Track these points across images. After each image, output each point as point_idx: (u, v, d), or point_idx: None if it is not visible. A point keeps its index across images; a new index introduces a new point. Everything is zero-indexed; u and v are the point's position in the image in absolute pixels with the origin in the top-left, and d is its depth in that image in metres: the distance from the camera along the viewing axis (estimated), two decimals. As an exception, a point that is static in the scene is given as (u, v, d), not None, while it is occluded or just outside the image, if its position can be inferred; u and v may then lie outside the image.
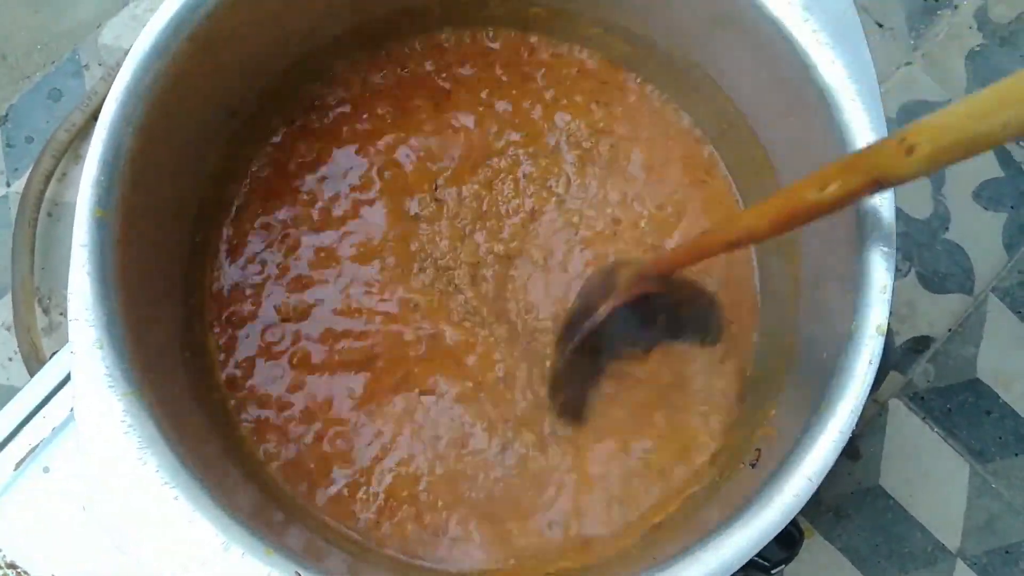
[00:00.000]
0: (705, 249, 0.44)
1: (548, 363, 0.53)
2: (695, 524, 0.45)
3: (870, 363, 0.40)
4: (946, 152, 0.31)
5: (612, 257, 0.55)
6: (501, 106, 0.57)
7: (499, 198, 0.56)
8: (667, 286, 0.49)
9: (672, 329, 0.53)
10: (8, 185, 0.76)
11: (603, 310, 0.49)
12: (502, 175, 0.56)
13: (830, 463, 0.40)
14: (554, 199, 0.56)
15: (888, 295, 0.41)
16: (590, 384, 0.53)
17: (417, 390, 0.52)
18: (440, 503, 0.50)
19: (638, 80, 0.58)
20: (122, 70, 0.43)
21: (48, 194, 0.73)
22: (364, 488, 0.51)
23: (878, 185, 0.34)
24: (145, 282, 0.45)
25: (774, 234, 0.39)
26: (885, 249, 0.41)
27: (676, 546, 0.42)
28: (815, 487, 0.40)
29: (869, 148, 0.34)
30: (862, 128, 0.43)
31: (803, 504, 0.39)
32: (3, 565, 0.51)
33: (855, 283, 0.41)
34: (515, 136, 0.57)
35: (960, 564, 0.70)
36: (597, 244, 0.55)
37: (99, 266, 0.41)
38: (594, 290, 0.51)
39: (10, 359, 0.72)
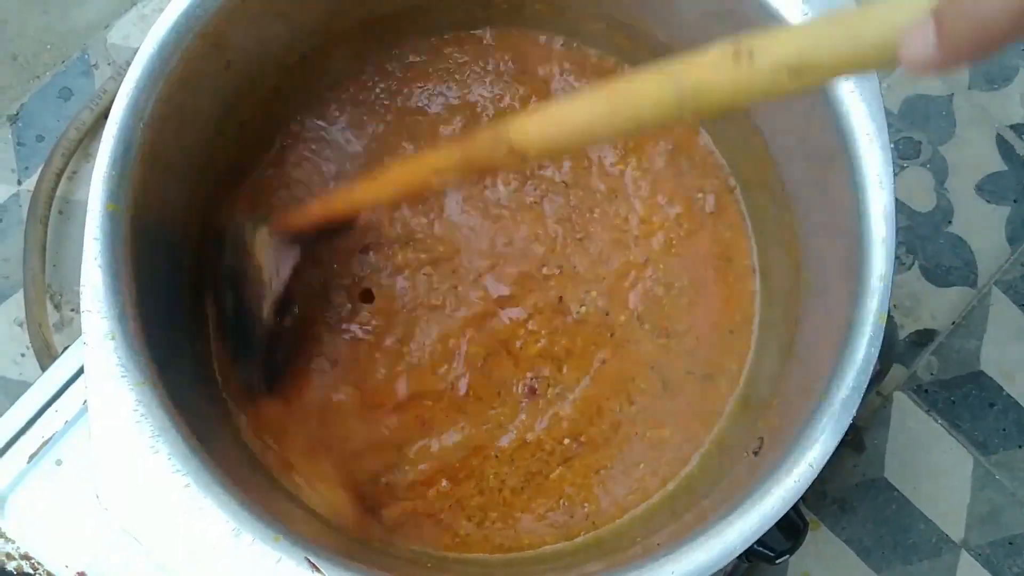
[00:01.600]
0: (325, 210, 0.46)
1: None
2: (698, 511, 0.46)
3: (871, 350, 0.41)
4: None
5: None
6: (507, 101, 0.58)
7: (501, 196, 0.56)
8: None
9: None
10: (19, 183, 0.76)
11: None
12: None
13: (831, 449, 0.40)
14: (550, 196, 0.57)
15: (888, 283, 0.42)
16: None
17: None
18: (449, 496, 0.51)
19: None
20: (132, 66, 0.44)
21: (59, 192, 0.74)
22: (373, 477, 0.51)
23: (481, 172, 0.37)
24: (156, 274, 0.46)
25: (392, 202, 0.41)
26: (885, 237, 0.42)
27: (679, 533, 0.43)
28: (816, 473, 0.40)
29: (480, 140, 0.35)
30: (861, 118, 0.44)
31: (804, 489, 0.40)
32: (17, 556, 0.52)
33: (855, 271, 0.42)
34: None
35: (964, 555, 0.71)
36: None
37: (111, 259, 0.42)
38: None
39: (22, 355, 0.73)
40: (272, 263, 0.48)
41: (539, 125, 0.32)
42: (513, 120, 0.32)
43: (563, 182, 0.56)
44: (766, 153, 0.51)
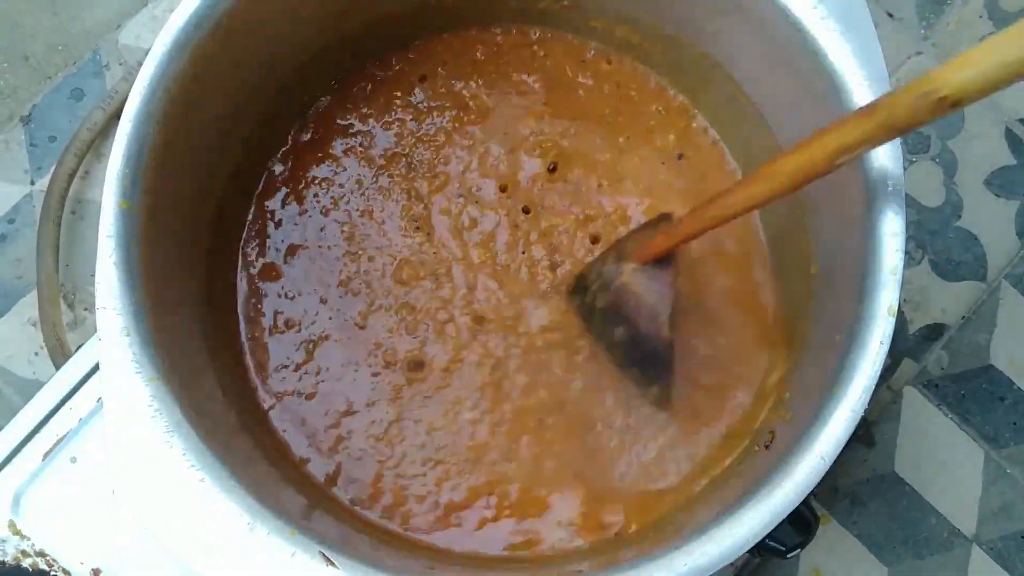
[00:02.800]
0: (705, 221, 0.44)
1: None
2: (709, 504, 0.46)
3: (881, 343, 0.41)
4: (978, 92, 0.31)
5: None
6: (515, 99, 0.58)
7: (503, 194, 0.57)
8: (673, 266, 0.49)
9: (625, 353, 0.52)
10: (32, 184, 0.77)
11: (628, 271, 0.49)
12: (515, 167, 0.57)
13: (842, 442, 0.40)
14: (556, 187, 0.57)
15: (899, 276, 0.42)
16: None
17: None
18: (465, 489, 0.51)
19: (646, 70, 0.58)
20: (145, 65, 0.44)
21: (71, 192, 0.74)
22: (391, 472, 0.52)
23: (897, 132, 0.35)
24: (169, 271, 0.46)
25: (791, 192, 0.39)
26: (895, 230, 0.42)
27: (691, 525, 0.43)
28: (828, 466, 0.40)
29: (888, 97, 0.35)
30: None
31: (816, 482, 0.40)
32: (32, 553, 0.52)
33: (866, 265, 0.42)
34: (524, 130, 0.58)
35: (976, 549, 0.70)
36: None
37: (125, 256, 0.42)
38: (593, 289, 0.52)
39: (36, 354, 0.73)
40: (654, 291, 0.48)
41: (965, 70, 0.31)
42: (935, 74, 0.32)
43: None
44: (776, 149, 0.52)
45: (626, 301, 0.49)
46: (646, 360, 0.51)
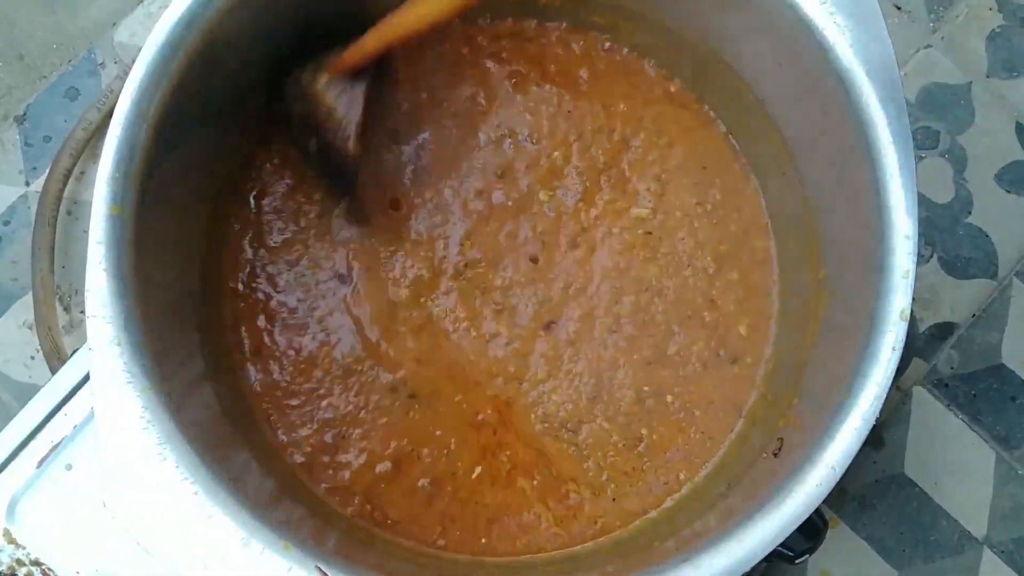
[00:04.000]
0: (399, 27, 0.47)
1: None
2: (717, 513, 0.45)
3: (893, 349, 0.40)
4: None
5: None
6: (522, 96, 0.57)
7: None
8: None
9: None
10: (27, 184, 0.76)
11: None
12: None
13: (854, 451, 0.39)
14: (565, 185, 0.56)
15: (911, 280, 0.41)
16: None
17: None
18: (468, 499, 0.51)
19: (652, 66, 0.57)
20: (135, 67, 0.43)
21: (67, 193, 0.73)
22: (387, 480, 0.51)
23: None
24: (162, 278, 0.45)
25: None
26: (907, 232, 0.41)
27: (696, 536, 0.42)
28: (839, 476, 0.39)
29: None
30: (880, 112, 0.43)
31: (827, 494, 0.39)
32: (28, 562, 0.52)
33: (876, 268, 0.41)
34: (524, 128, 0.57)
35: (987, 552, 0.70)
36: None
37: (115, 263, 0.41)
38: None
39: (32, 357, 0.73)
40: (343, 103, 0.49)
41: None
42: None
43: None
44: (783, 148, 0.51)
45: (317, 111, 0.50)
46: (335, 173, 0.52)
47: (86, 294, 0.41)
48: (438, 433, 0.52)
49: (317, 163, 0.53)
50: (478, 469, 0.51)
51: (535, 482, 0.51)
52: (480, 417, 0.52)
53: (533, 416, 0.52)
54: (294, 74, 0.51)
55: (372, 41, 0.48)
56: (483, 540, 0.50)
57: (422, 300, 0.54)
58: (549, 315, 0.54)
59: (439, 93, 0.57)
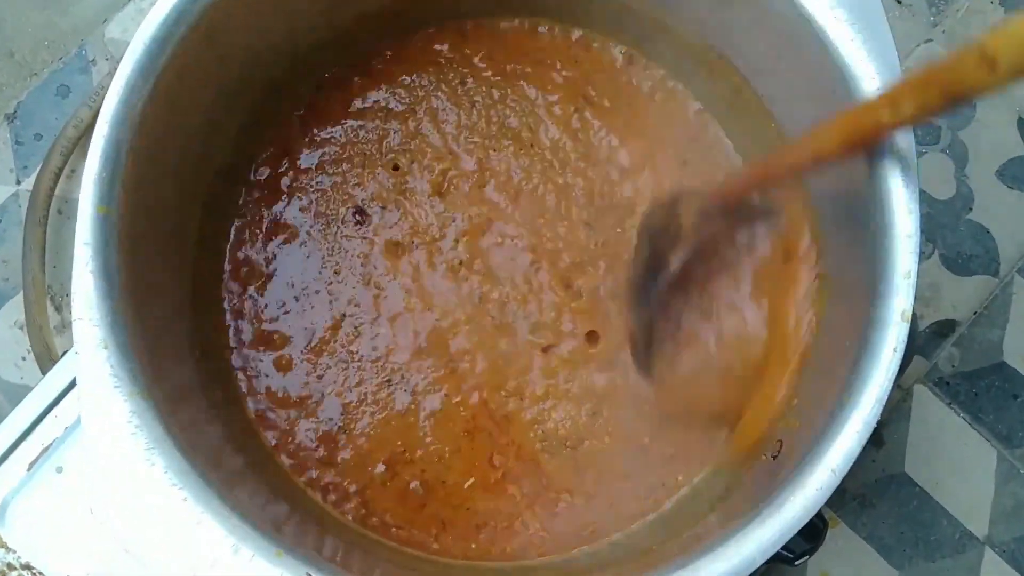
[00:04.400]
0: (771, 171, 0.43)
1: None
2: (715, 517, 0.45)
3: (895, 351, 0.39)
4: None
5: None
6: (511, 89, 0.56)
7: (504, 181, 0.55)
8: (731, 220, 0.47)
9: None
10: (18, 183, 0.75)
11: (675, 262, 0.47)
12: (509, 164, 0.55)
13: (855, 454, 0.39)
14: (553, 186, 0.55)
15: (912, 280, 0.40)
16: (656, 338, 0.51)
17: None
18: (460, 504, 0.50)
19: (647, 63, 0.57)
20: (122, 63, 0.42)
21: (58, 191, 0.73)
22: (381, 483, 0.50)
23: (956, 101, 0.32)
24: (152, 279, 0.44)
25: (843, 156, 0.38)
26: (909, 231, 0.40)
27: (695, 540, 0.41)
28: (839, 480, 0.39)
29: (944, 64, 0.32)
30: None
31: (827, 497, 0.38)
32: (18, 567, 0.51)
33: (878, 268, 0.40)
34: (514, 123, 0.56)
35: (988, 552, 0.69)
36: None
37: (103, 264, 0.40)
38: (658, 234, 0.50)
39: (23, 358, 0.72)
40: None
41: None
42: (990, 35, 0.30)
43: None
44: (782, 143, 0.50)
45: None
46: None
47: (72, 296, 0.40)
48: (429, 440, 0.51)
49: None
50: (471, 479, 0.51)
51: (525, 490, 0.51)
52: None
53: (532, 434, 0.52)
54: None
55: (753, 178, 0.46)
56: (473, 545, 0.49)
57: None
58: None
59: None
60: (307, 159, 0.55)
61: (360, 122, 0.56)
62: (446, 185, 0.55)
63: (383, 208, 0.54)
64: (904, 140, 0.41)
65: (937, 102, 0.33)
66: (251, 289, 0.53)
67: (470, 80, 0.57)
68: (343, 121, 0.56)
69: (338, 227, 0.54)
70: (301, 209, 0.54)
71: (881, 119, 0.35)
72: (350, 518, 0.49)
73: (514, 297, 0.53)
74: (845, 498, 0.70)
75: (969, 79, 0.30)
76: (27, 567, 0.51)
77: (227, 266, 0.53)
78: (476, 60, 0.57)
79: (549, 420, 0.52)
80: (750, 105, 0.51)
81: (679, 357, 0.50)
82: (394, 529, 0.49)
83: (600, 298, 0.53)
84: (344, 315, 0.53)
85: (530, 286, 0.53)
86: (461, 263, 0.54)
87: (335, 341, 0.53)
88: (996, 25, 0.29)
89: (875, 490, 0.70)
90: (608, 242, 0.54)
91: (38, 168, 0.72)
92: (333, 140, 0.55)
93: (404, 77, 0.56)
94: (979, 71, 0.30)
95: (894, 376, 0.39)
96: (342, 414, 0.51)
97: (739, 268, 0.50)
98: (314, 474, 0.50)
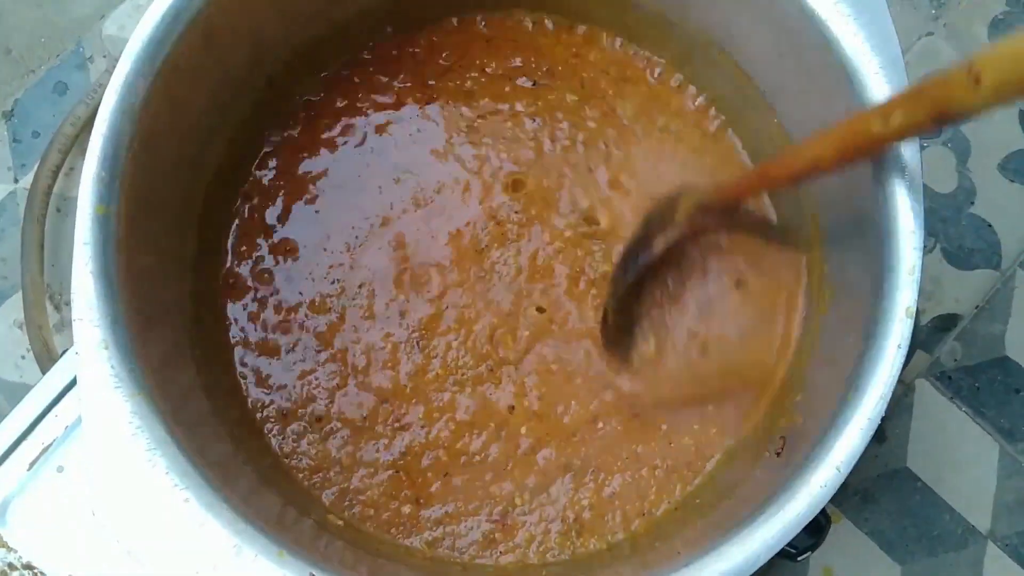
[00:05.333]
0: (769, 178, 0.44)
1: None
2: (719, 515, 0.44)
3: (899, 347, 0.39)
4: (1016, 83, 0.28)
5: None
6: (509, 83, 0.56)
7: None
8: (726, 223, 0.48)
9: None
10: (16, 181, 0.75)
11: (659, 245, 0.48)
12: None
13: (859, 452, 0.39)
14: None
15: (916, 276, 0.40)
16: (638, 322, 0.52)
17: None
18: (463, 499, 0.50)
19: (650, 58, 0.56)
20: (120, 61, 0.42)
21: (56, 189, 0.72)
22: (379, 481, 0.50)
23: (943, 117, 0.32)
24: (151, 279, 0.44)
25: (838, 166, 0.38)
26: (912, 227, 0.40)
27: (699, 538, 0.41)
28: (843, 477, 0.39)
29: (935, 78, 0.32)
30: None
31: (831, 494, 0.38)
32: (20, 566, 0.51)
33: (882, 264, 0.40)
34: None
35: (991, 546, 0.69)
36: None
37: (102, 264, 0.40)
38: (654, 220, 0.50)
39: (23, 357, 0.72)
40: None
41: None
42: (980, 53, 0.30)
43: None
44: (785, 140, 0.50)
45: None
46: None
47: (72, 296, 0.40)
48: (434, 439, 0.51)
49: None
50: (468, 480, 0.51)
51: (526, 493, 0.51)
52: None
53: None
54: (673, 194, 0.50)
55: (755, 181, 0.46)
56: (475, 547, 0.49)
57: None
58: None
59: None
60: (307, 159, 0.55)
61: (361, 120, 0.56)
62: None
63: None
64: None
65: (926, 116, 0.33)
66: (253, 287, 0.53)
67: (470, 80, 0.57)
68: (343, 120, 0.55)
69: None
70: (302, 202, 0.54)
71: (872, 129, 0.35)
72: (354, 517, 0.49)
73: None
74: (847, 493, 0.70)
75: (956, 95, 0.31)
76: (28, 567, 0.51)
77: (228, 263, 0.53)
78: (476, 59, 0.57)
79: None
80: (755, 102, 0.51)
81: (644, 341, 0.51)
82: (395, 529, 0.49)
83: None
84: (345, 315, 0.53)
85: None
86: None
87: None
88: (989, 43, 0.29)
89: (877, 485, 0.70)
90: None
91: (36, 166, 0.72)
92: (333, 139, 0.55)
93: (403, 76, 0.56)
94: (965, 87, 0.30)
95: (898, 373, 0.39)
96: (345, 416, 0.51)
97: (721, 263, 0.51)
98: (317, 474, 0.50)
